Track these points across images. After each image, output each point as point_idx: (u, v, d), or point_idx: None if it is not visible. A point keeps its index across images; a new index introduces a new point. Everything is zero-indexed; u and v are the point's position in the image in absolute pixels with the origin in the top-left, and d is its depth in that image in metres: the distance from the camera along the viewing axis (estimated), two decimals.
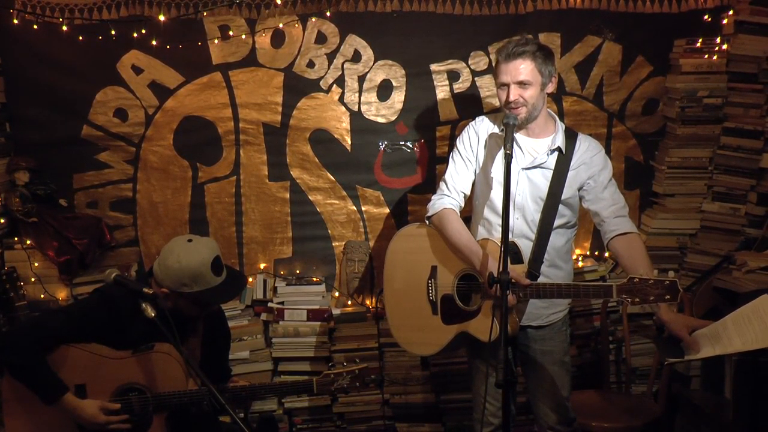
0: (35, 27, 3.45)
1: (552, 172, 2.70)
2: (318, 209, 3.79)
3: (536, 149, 2.71)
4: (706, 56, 3.61)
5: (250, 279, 3.75)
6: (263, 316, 3.74)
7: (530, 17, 3.62)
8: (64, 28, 3.46)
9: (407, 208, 3.80)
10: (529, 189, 2.71)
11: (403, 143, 3.74)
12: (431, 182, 3.76)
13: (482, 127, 2.82)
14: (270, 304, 3.72)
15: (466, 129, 2.87)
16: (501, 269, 2.30)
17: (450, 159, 2.88)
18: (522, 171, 2.70)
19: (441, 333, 2.78)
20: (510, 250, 2.55)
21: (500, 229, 2.60)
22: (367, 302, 3.80)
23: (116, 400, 2.50)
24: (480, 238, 2.74)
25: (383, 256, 3.79)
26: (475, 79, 3.68)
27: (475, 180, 2.85)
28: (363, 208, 3.80)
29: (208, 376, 2.49)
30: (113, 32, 3.46)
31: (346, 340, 3.72)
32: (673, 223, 3.78)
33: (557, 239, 2.73)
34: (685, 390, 3.66)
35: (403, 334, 2.92)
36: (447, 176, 2.85)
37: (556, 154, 2.70)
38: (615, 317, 3.72)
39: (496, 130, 2.79)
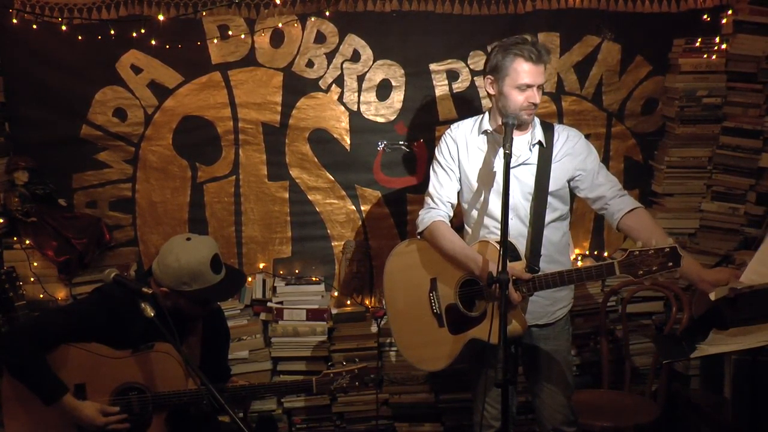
0: (34, 27, 3.45)
1: (536, 166, 2.69)
2: (317, 209, 3.79)
3: (518, 147, 2.69)
4: (705, 56, 3.61)
5: (249, 279, 3.75)
6: (262, 316, 3.74)
7: (529, 17, 3.61)
8: (64, 27, 3.45)
9: (406, 208, 3.79)
10: (519, 187, 2.70)
11: (402, 143, 3.74)
12: None
13: (459, 134, 2.81)
14: (269, 304, 3.72)
15: (443, 138, 2.86)
16: (500, 269, 2.29)
17: (431, 171, 2.87)
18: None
19: (450, 344, 2.73)
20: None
21: (495, 231, 2.62)
22: (366, 302, 3.80)
23: (116, 400, 2.50)
24: (473, 243, 2.72)
25: (382, 256, 3.79)
26: (474, 78, 3.68)
27: (461, 187, 2.83)
28: (362, 208, 3.80)
29: (208, 376, 2.49)
30: (112, 32, 3.45)
31: (345, 339, 3.72)
32: (672, 223, 3.77)
33: (553, 234, 2.72)
34: (685, 389, 3.66)
35: (414, 353, 2.88)
36: (431, 189, 2.84)
37: (537, 147, 2.70)
38: (614, 317, 3.73)
39: (474, 134, 2.78)
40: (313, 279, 3.77)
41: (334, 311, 3.74)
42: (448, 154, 2.81)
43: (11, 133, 3.59)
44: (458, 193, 2.84)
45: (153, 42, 3.48)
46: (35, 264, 3.56)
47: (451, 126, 2.87)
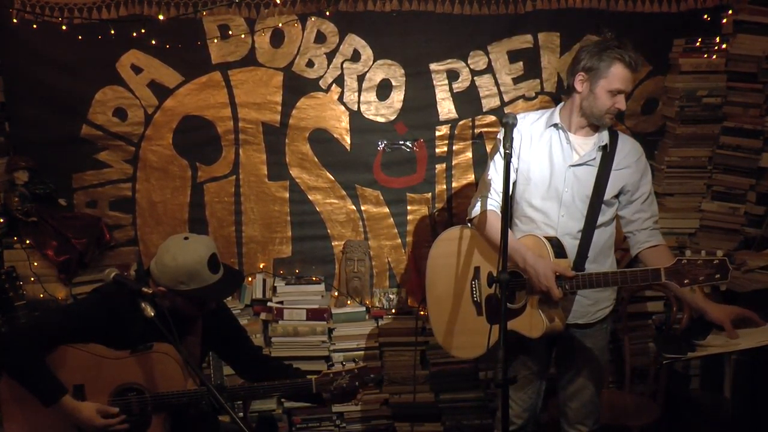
0: (34, 26, 3.45)
1: (597, 169, 2.67)
2: (317, 209, 3.79)
3: (585, 147, 2.69)
4: (706, 56, 3.61)
5: (249, 279, 3.75)
6: (262, 316, 3.74)
7: (529, 17, 3.61)
8: (64, 27, 3.46)
9: (406, 208, 3.80)
10: (577, 187, 2.67)
11: (402, 143, 3.74)
12: (430, 182, 3.76)
13: (524, 124, 2.75)
14: (269, 304, 3.72)
15: None
16: (500, 268, 2.28)
17: (489, 158, 2.83)
18: (569, 168, 2.67)
19: (486, 334, 2.67)
20: (553, 245, 2.56)
21: (543, 227, 2.64)
22: (367, 302, 3.80)
23: (115, 401, 2.50)
24: (522, 236, 2.70)
25: (382, 256, 3.82)
26: (475, 78, 3.68)
27: (516, 179, 2.78)
28: (362, 208, 3.80)
29: (257, 373, 2.57)
30: (112, 32, 3.46)
31: (346, 339, 3.72)
32: (672, 223, 3.77)
33: (600, 236, 2.70)
34: (685, 390, 3.66)
35: (448, 339, 2.88)
36: (488, 177, 2.80)
37: (601, 151, 2.68)
38: (614, 317, 3.72)
39: (540, 127, 2.74)
40: (313, 279, 3.77)
41: (334, 311, 3.74)
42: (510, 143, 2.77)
43: (11, 133, 3.59)
44: (513, 184, 2.80)
45: (153, 42, 3.49)
46: (35, 264, 3.56)
47: (518, 115, 2.77)
